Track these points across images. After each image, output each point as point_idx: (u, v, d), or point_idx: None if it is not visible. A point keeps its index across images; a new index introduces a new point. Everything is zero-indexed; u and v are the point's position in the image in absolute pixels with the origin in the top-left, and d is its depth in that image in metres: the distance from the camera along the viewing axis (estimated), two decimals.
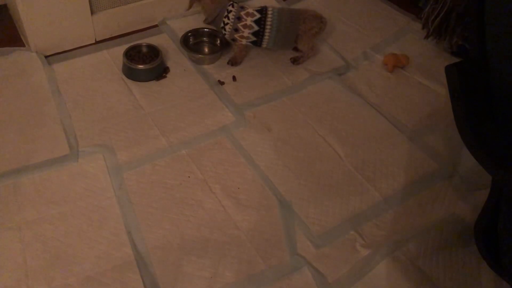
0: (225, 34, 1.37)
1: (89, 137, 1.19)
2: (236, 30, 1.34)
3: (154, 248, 0.99)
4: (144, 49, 1.41)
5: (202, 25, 1.51)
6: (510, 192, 0.84)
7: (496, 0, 0.76)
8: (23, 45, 1.41)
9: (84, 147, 1.17)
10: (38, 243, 0.98)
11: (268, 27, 1.34)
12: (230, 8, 1.34)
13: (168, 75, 1.38)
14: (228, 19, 1.33)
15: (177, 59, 1.44)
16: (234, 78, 1.38)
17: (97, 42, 1.47)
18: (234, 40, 1.37)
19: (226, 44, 1.46)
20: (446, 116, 1.31)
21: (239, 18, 1.33)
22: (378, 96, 1.37)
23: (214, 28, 1.48)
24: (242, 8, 1.35)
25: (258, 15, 1.34)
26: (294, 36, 1.37)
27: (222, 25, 1.35)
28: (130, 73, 1.36)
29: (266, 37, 1.36)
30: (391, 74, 1.45)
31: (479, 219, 0.99)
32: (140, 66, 1.34)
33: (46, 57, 1.39)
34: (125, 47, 1.40)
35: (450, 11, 1.41)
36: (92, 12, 1.42)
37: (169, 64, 1.42)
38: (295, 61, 1.45)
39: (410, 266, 1.00)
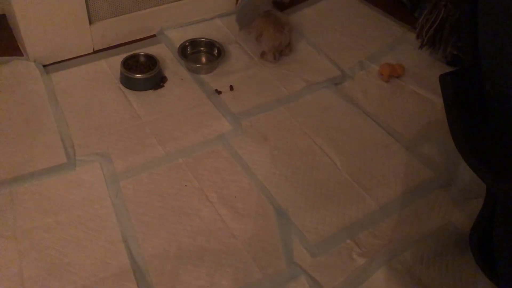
0: None
1: (86, 146, 1.19)
2: None
3: (150, 257, 0.99)
4: (142, 59, 1.42)
5: (199, 35, 1.53)
6: (505, 201, 0.84)
7: (488, 10, 0.77)
8: (21, 55, 1.42)
9: (81, 156, 1.17)
10: (34, 251, 0.98)
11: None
12: None
13: (165, 85, 1.39)
14: None
15: (174, 69, 1.45)
16: (231, 88, 1.39)
17: (95, 52, 1.48)
18: None
19: (223, 54, 1.47)
20: (441, 125, 1.32)
21: None
22: (374, 105, 1.38)
23: (211, 38, 1.50)
24: None
25: None
26: (249, 22, 1.47)
27: None
28: (128, 83, 1.36)
29: (238, 7, 1.53)
30: (386, 84, 1.46)
31: (474, 228, 0.99)
32: (138, 76, 1.35)
33: (44, 66, 1.40)
34: (123, 56, 1.41)
35: (444, 22, 1.42)
36: (90, 22, 1.43)
37: (166, 73, 1.42)
38: (261, 55, 1.50)
39: (406, 275, 1.00)
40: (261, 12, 1.44)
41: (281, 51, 1.50)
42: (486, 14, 0.77)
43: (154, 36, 1.56)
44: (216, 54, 1.49)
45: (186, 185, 1.13)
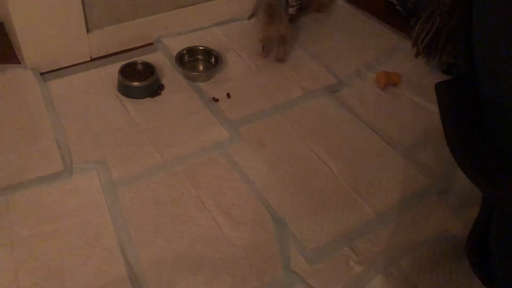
0: None
1: (83, 154, 1.19)
2: None
3: (147, 265, 0.99)
4: (140, 67, 1.43)
5: (196, 43, 1.53)
6: (501, 208, 0.85)
7: (482, 20, 0.78)
8: (19, 62, 1.42)
9: (78, 164, 1.17)
10: (30, 259, 0.97)
11: None
12: None
13: (163, 92, 1.39)
14: None
15: (172, 77, 1.45)
16: (228, 95, 1.40)
17: (92, 60, 1.49)
18: None
19: (221, 62, 1.48)
20: (437, 133, 1.32)
21: None
22: (371, 113, 1.39)
23: (209, 47, 1.51)
24: None
25: None
26: (257, 12, 1.51)
27: None
28: (125, 90, 1.37)
29: None
30: (383, 92, 1.47)
31: (470, 235, 0.99)
32: (135, 83, 1.35)
33: (41, 74, 1.40)
34: (120, 64, 1.41)
35: (440, 30, 1.43)
36: (88, 30, 1.44)
37: (164, 81, 1.43)
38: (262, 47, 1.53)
39: (403, 283, 1.00)
40: (266, 2, 1.46)
41: (277, 54, 1.51)
42: (481, 23, 0.78)
43: (151, 44, 1.57)
44: (213, 62, 1.50)
45: (183, 193, 1.13)
